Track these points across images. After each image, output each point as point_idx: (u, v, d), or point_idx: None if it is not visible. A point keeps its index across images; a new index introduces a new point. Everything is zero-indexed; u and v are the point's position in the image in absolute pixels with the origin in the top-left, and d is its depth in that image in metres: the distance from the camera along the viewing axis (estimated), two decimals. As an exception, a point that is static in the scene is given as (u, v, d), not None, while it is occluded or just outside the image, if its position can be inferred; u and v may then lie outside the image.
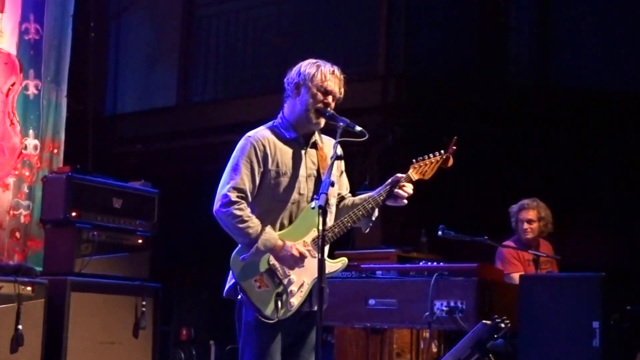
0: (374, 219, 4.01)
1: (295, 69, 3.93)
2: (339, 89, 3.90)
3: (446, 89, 7.72)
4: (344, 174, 4.10)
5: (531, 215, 6.43)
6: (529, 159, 7.59)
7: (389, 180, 3.96)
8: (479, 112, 7.51)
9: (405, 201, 3.93)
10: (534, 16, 8.17)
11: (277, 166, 3.86)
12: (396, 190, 3.90)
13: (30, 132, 7.20)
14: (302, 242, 3.82)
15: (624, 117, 7.39)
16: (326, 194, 3.60)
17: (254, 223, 3.76)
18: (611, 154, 7.45)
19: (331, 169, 3.72)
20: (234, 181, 3.80)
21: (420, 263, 5.64)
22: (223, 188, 3.82)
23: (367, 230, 4.06)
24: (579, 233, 7.10)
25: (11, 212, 7.03)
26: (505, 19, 8.17)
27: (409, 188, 3.92)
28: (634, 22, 7.75)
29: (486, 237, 5.88)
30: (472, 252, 5.89)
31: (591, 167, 7.49)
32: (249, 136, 3.90)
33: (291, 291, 3.79)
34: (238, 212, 3.76)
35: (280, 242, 3.76)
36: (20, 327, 5.65)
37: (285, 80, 3.96)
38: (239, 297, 3.82)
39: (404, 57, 7.83)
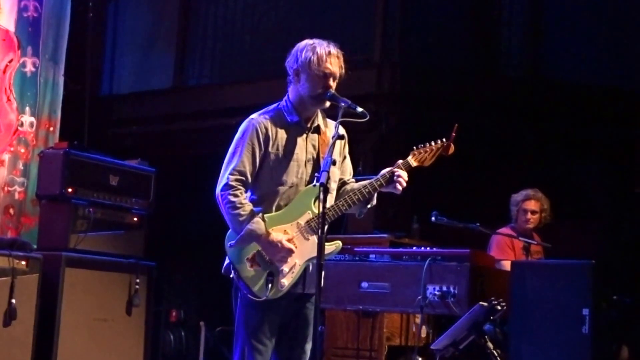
0: (369, 206, 4.03)
1: (292, 54, 3.95)
2: (339, 67, 3.92)
3: (440, 79, 7.79)
4: (348, 159, 4.12)
5: (535, 206, 6.49)
6: (520, 150, 7.66)
7: (389, 168, 3.98)
8: (471, 103, 7.58)
9: (400, 189, 3.93)
10: (527, 9, 8.24)
11: (278, 149, 3.89)
12: (395, 178, 3.92)
13: (27, 109, 7.19)
14: (295, 224, 3.86)
15: (613, 111, 7.48)
16: (327, 172, 3.64)
17: (245, 210, 3.80)
18: (600, 146, 7.54)
19: (332, 148, 3.74)
20: (235, 164, 3.85)
21: (414, 248, 5.70)
22: (225, 171, 3.86)
23: (362, 217, 4.09)
24: (567, 223, 7.17)
25: (5, 188, 7.02)
26: (499, 12, 8.25)
27: (403, 175, 3.95)
28: (625, 17, 7.83)
29: (478, 224, 5.95)
30: (462, 241, 5.95)
31: (581, 158, 7.58)
32: (252, 118, 3.94)
33: (282, 271, 3.82)
34: (232, 198, 3.80)
35: (266, 233, 3.79)
36: (13, 301, 5.62)
37: (286, 64, 3.98)
38: (231, 275, 3.88)
39: (399, 47, 7.88)
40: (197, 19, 8.87)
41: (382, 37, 7.83)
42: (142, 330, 6.35)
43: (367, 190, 3.94)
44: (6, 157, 7.04)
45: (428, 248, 5.57)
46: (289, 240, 3.83)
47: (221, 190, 3.83)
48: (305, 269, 3.87)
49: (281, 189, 3.89)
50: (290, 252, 3.81)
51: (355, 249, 5.64)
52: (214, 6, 8.76)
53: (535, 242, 6.34)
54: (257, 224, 3.79)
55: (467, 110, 7.48)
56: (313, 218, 3.83)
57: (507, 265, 5.94)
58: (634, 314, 5.52)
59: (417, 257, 5.43)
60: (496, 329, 5.47)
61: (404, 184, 3.94)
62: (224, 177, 3.84)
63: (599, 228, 7.59)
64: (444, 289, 5.24)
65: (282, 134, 3.91)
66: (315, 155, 3.95)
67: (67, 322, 5.92)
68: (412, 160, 4.01)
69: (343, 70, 3.94)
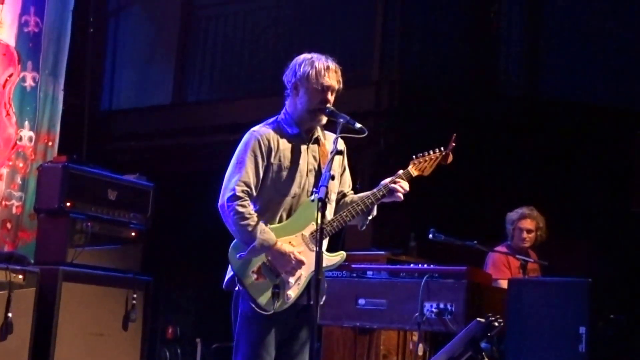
0: (370, 217, 4.06)
1: (291, 68, 3.98)
2: (337, 81, 3.95)
3: (438, 96, 7.81)
4: (347, 171, 4.15)
5: (531, 225, 6.49)
6: (517, 168, 7.68)
7: (390, 178, 4.01)
8: (469, 120, 7.60)
9: (401, 196, 3.97)
10: (525, 28, 8.28)
11: (280, 160, 3.91)
12: (391, 185, 3.96)
13: (26, 123, 7.21)
14: (300, 235, 3.88)
15: (610, 129, 7.50)
16: (326, 187, 3.66)
17: (254, 221, 3.81)
18: (597, 165, 7.56)
19: (331, 163, 3.78)
20: (240, 175, 3.86)
21: (411, 265, 5.71)
22: (230, 182, 3.87)
23: (364, 228, 4.11)
24: (563, 241, 7.17)
25: (3, 202, 7.02)
26: (497, 31, 8.29)
27: (404, 184, 3.98)
28: (622, 37, 7.87)
29: (476, 242, 5.96)
30: (459, 259, 5.95)
31: (578, 176, 7.59)
32: (254, 131, 3.97)
33: (288, 283, 3.84)
34: (240, 209, 3.81)
35: (278, 244, 3.81)
36: (10, 314, 5.65)
37: (283, 78, 4.01)
38: (237, 288, 3.87)
39: (398, 64, 7.90)
40: (197, 36, 8.91)
41: (381, 55, 7.86)
42: (138, 346, 6.36)
43: (369, 200, 3.97)
44: (4, 171, 7.05)
45: (425, 265, 5.57)
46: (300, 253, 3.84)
47: (228, 201, 3.83)
48: (310, 280, 3.87)
49: (284, 199, 3.91)
50: (301, 264, 3.83)
51: (353, 265, 5.63)
52: (213, 23, 8.81)
53: (532, 260, 6.34)
54: (268, 234, 3.81)
55: (465, 128, 7.48)
56: (317, 229, 3.83)
57: (503, 283, 5.94)
58: (631, 333, 5.51)
59: (415, 274, 5.43)
60: (493, 347, 5.47)
61: (405, 190, 3.97)
62: (229, 188, 3.85)
63: (596, 246, 7.59)
64: (441, 306, 5.24)
65: (283, 145, 3.94)
66: (316, 166, 3.98)
67: (63, 336, 5.93)
68: (412, 170, 4.06)
69: (341, 85, 3.98)
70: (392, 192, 3.98)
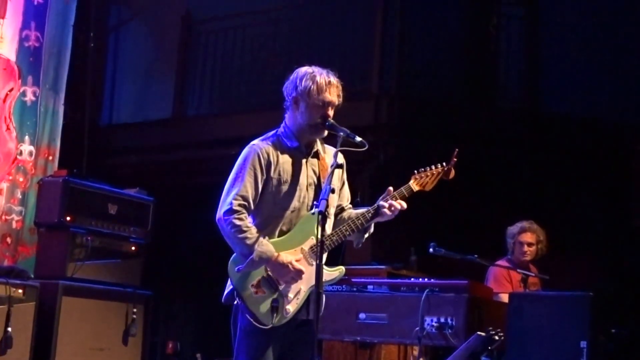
0: (367, 235, 4.04)
1: (291, 81, 3.97)
2: (337, 96, 3.95)
3: (437, 110, 7.84)
4: (346, 185, 4.14)
5: (531, 238, 6.49)
6: (517, 182, 7.69)
7: (381, 197, 3.99)
8: (468, 134, 7.61)
9: (390, 213, 3.91)
10: (524, 42, 8.31)
11: (279, 174, 3.91)
12: (381, 202, 3.93)
13: (26, 138, 7.21)
14: (299, 249, 3.87)
15: (610, 143, 7.51)
16: (326, 200, 3.66)
17: (252, 234, 3.81)
18: (597, 179, 7.57)
19: (331, 177, 3.77)
20: (238, 189, 3.86)
21: (411, 279, 5.70)
22: (227, 196, 3.87)
23: (359, 246, 4.09)
24: (564, 255, 7.17)
25: (3, 217, 7.02)
26: (496, 45, 8.32)
27: (396, 204, 3.92)
28: (621, 51, 7.90)
29: (476, 256, 5.95)
30: (459, 273, 5.95)
31: (578, 191, 7.60)
32: (253, 144, 3.97)
33: (287, 297, 3.83)
34: (237, 222, 3.81)
35: (276, 255, 3.81)
36: (9, 329, 5.64)
37: (283, 90, 4.01)
38: (236, 302, 3.87)
39: (397, 78, 7.94)
40: (197, 50, 8.95)
41: (380, 69, 7.89)
42: (138, 360, 6.35)
43: (370, 214, 3.95)
44: (4, 185, 7.05)
45: (426, 279, 5.56)
46: (297, 261, 3.84)
47: (224, 215, 3.83)
48: (309, 295, 3.87)
49: (284, 213, 3.90)
50: (300, 273, 3.82)
51: (353, 279, 5.62)
52: (213, 37, 8.85)
53: (533, 274, 6.33)
54: (267, 246, 3.81)
55: (464, 142, 7.48)
56: (317, 243, 3.82)
57: (504, 297, 5.93)
58: (632, 347, 5.51)
59: (415, 288, 5.42)
60: (494, 361, 5.46)
61: (396, 208, 3.91)
62: (227, 202, 3.85)
63: (597, 260, 7.59)
64: (442, 320, 5.23)
65: (283, 159, 3.94)
66: (316, 180, 3.97)
67: (63, 351, 5.91)
68: (414, 185, 4.03)
69: (341, 100, 3.98)
70: (379, 210, 3.93)
